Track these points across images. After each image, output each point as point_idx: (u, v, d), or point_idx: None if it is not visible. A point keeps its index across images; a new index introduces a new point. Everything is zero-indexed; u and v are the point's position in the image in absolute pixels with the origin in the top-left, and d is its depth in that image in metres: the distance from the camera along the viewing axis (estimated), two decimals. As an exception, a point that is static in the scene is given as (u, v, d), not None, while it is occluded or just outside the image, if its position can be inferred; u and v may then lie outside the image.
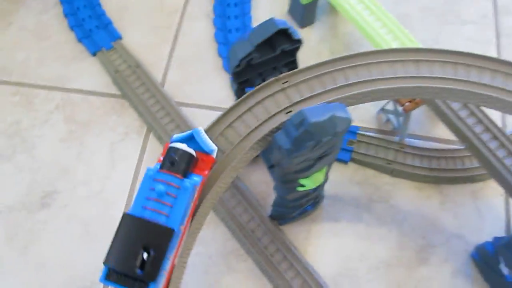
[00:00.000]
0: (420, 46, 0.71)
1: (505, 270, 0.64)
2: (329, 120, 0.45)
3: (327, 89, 0.51)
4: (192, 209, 0.43)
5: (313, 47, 0.84)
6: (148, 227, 0.39)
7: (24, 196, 0.73)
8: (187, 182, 0.41)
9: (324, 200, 0.72)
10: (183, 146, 0.42)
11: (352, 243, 0.70)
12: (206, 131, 0.47)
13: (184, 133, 0.45)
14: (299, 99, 0.50)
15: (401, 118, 0.73)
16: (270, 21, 0.50)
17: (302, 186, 0.57)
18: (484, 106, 0.53)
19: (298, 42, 0.52)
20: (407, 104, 0.69)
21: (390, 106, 0.74)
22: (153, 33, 0.86)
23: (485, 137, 0.66)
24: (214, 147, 0.45)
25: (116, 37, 0.84)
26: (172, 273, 0.42)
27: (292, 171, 0.53)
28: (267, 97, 0.50)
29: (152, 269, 0.38)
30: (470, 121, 0.67)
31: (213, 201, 0.47)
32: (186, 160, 0.42)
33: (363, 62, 0.52)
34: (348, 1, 0.76)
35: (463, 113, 0.68)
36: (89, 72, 0.82)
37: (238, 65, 0.51)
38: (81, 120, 0.78)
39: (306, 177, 0.55)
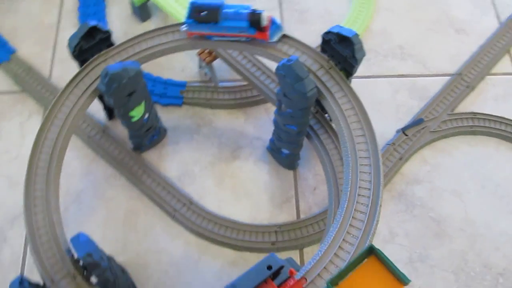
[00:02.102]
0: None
1: (283, 150, 1.02)
2: (122, 70, 0.81)
3: (129, 55, 0.87)
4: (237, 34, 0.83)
5: (151, 33, 1.20)
6: None
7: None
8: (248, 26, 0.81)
9: (167, 131, 1.08)
10: (265, 16, 0.80)
11: (188, 155, 1.07)
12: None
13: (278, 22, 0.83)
14: (113, 63, 0.85)
15: (210, 70, 1.10)
16: (84, 23, 0.85)
17: (133, 117, 0.93)
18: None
19: (108, 32, 0.87)
20: (206, 58, 1.06)
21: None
22: (39, 44, 1.20)
23: (257, 73, 1.03)
24: (276, 38, 0.83)
25: (12, 51, 1.18)
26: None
27: (119, 107, 0.89)
28: (96, 64, 0.86)
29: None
30: (248, 65, 1.04)
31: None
32: (257, 19, 0.80)
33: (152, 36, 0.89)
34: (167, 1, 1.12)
35: (243, 61, 1.04)
36: (-3, 79, 1.16)
37: (74, 51, 0.87)
38: (-4, 112, 1.12)
39: (132, 110, 0.91)
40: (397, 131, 1.10)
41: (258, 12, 0.80)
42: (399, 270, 0.50)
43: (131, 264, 0.96)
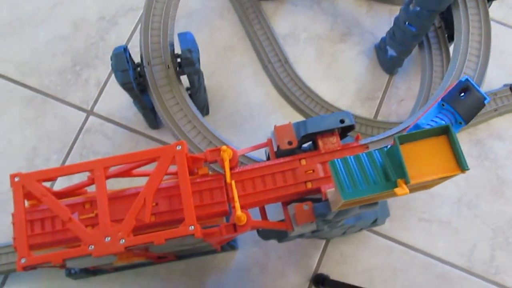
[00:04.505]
0: None
1: (390, 51, 1.02)
2: None
3: None
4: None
5: None
6: None
7: None
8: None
9: (290, -8, 1.11)
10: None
11: (301, 20, 1.09)
12: None
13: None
14: None
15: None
16: None
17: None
18: None
19: None
20: None
21: None
22: None
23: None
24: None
25: None
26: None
27: None
28: None
29: None
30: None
31: None
32: None
33: None
34: None
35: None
36: None
37: None
38: None
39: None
40: (505, 85, 1.07)
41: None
42: (463, 156, 0.53)
43: (212, 91, 1.03)
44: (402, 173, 0.53)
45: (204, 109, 0.98)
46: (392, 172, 0.54)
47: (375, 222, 0.82)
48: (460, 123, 0.67)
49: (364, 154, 0.57)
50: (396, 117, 1.03)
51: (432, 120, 0.66)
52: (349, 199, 0.54)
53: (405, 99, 1.05)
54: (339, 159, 0.56)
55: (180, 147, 0.61)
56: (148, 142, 1.00)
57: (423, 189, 0.61)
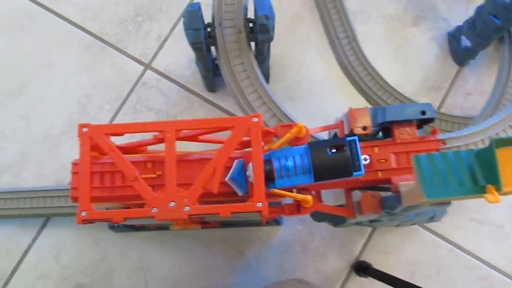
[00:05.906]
0: None
1: (464, 42, 0.97)
2: None
3: None
4: None
5: None
6: None
7: None
8: None
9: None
10: None
11: (375, -3, 1.04)
12: None
13: None
14: None
15: None
16: None
17: None
18: None
19: None
20: None
21: None
22: None
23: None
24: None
25: None
26: None
27: None
28: None
29: None
30: None
31: None
32: None
33: None
34: None
35: None
36: None
37: None
38: None
39: None
40: None
41: None
42: None
43: (274, 60, 0.99)
44: (494, 179, 0.50)
45: (266, 78, 0.95)
46: (480, 176, 0.51)
47: (432, 219, 0.80)
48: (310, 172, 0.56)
49: (451, 152, 0.54)
50: (460, 110, 0.99)
51: (285, 157, 0.57)
52: (434, 199, 0.52)
53: (472, 93, 1.00)
54: (424, 154, 0.53)
55: (256, 119, 0.59)
56: (203, 104, 0.98)
57: (503, 195, 0.58)
